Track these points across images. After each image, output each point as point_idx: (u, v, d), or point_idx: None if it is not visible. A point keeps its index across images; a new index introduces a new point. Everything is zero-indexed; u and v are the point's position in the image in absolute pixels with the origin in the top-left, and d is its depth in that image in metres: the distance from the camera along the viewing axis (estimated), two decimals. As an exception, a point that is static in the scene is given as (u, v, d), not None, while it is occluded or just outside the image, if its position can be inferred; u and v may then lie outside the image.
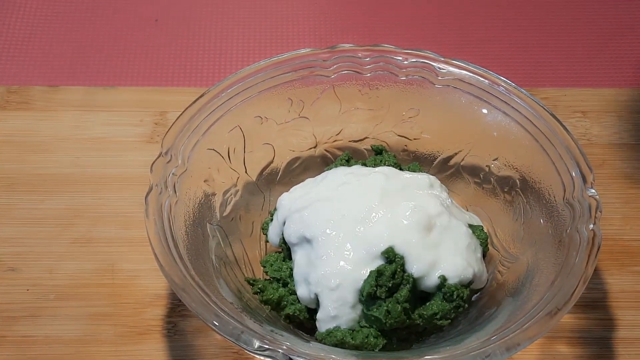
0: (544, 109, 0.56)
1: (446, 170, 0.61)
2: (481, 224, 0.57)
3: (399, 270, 0.51)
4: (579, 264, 0.48)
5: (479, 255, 0.54)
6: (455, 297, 0.51)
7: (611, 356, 0.56)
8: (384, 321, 0.51)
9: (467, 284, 0.52)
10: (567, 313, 0.46)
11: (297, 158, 0.61)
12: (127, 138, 0.68)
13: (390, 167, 0.58)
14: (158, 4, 0.82)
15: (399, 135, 0.61)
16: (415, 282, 0.52)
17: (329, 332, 0.51)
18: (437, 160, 0.61)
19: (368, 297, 0.51)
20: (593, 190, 0.51)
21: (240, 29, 0.80)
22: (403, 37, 0.79)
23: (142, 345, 0.56)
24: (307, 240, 0.53)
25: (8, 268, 0.59)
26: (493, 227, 0.58)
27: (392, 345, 0.52)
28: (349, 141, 0.62)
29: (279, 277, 0.54)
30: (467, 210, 0.59)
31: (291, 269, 0.54)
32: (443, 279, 0.51)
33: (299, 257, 0.53)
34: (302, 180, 0.58)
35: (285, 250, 0.55)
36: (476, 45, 0.79)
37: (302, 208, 0.54)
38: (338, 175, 0.56)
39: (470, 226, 0.55)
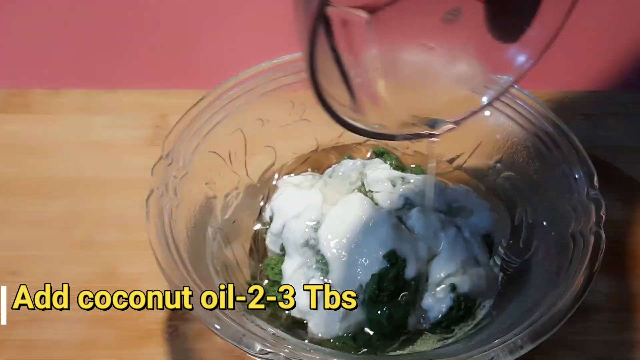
0: (547, 111, 0.56)
1: (449, 172, 0.60)
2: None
3: (400, 273, 0.51)
4: (582, 266, 0.48)
5: (488, 268, 0.54)
6: (462, 307, 0.51)
7: None
8: (386, 325, 0.50)
9: (475, 295, 0.52)
10: (570, 316, 0.46)
11: (298, 161, 0.61)
12: (128, 141, 0.68)
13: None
14: (159, 7, 0.82)
15: (400, 138, 0.61)
16: (418, 286, 0.52)
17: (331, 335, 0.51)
18: (440, 162, 0.61)
19: (370, 300, 0.51)
20: (596, 193, 0.51)
21: (241, 32, 0.80)
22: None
23: (143, 349, 0.56)
24: (307, 246, 0.53)
25: (9, 272, 0.59)
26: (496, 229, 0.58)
27: (394, 348, 0.52)
28: (351, 144, 0.62)
29: (280, 280, 0.54)
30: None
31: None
32: (452, 287, 0.51)
33: (297, 263, 0.53)
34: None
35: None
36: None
37: (300, 214, 0.54)
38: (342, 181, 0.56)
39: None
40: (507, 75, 0.44)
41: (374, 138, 0.43)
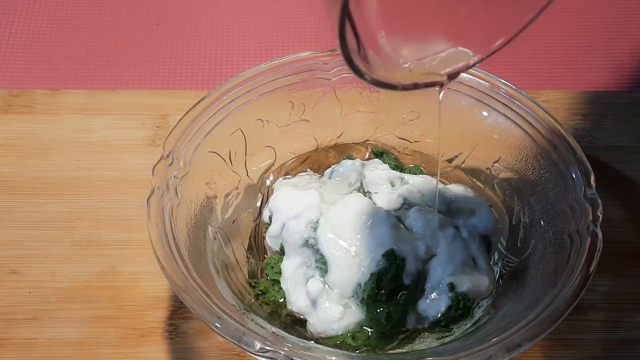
0: (545, 111, 0.56)
1: (447, 172, 0.61)
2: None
3: (399, 272, 0.51)
4: (579, 265, 0.48)
5: (486, 267, 0.55)
6: (461, 306, 0.51)
7: (611, 358, 0.56)
8: (385, 324, 0.51)
9: (473, 294, 0.52)
10: (567, 315, 0.46)
11: (298, 161, 0.61)
12: (129, 141, 0.68)
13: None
14: (159, 8, 0.83)
15: (400, 138, 0.62)
16: (417, 285, 0.52)
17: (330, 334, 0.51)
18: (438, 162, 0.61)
19: (369, 299, 0.51)
20: (593, 192, 0.52)
21: (241, 32, 0.80)
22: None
23: (144, 347, 0.56)
24: (306, 246, 0.53)
25: (10, 271, 0.60)
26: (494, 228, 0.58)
27: (393, 346, 0.52)
28: (350, 143, 0.62)
29: (279, 279, 0.54)
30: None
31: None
32: (451, 286, 0.51)
33: (297, 262, 0.53)
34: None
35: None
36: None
37: (299, 215, 0.54)
38: (341, 181, 0.57)
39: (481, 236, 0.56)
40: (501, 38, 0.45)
41: (377, 86, 0.44)
